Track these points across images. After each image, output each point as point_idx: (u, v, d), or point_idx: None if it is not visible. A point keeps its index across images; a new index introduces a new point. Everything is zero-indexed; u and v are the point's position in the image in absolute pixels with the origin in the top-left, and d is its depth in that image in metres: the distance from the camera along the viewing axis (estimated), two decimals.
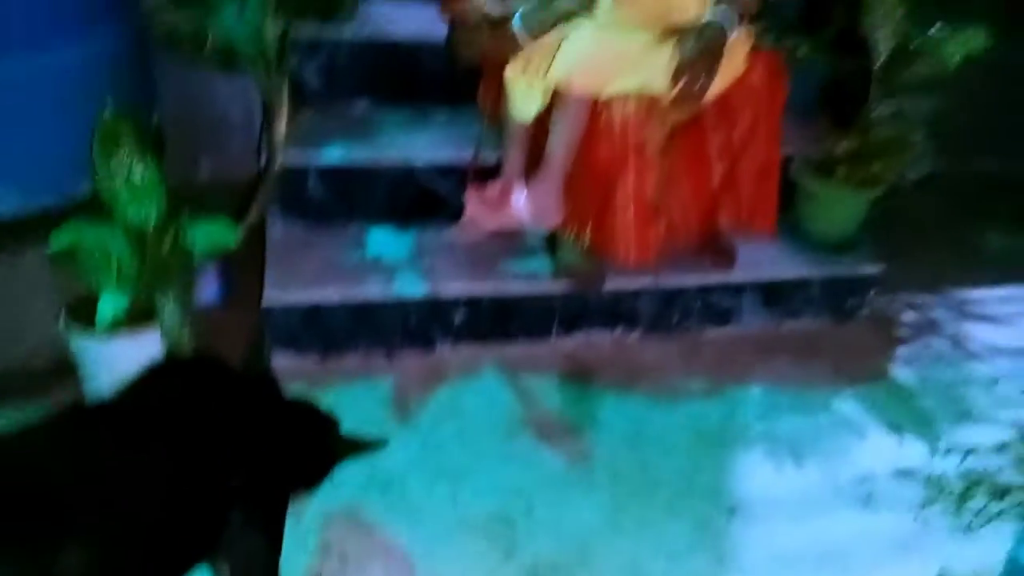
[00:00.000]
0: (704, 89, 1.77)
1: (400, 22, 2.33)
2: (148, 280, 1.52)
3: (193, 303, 1.67)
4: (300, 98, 2.18)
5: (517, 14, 1.82)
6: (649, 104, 1.77)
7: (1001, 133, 3.14)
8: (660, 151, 1.85)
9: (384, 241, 2.14)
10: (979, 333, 2.33)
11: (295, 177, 2.07)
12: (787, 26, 2.26)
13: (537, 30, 1.80)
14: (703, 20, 1.77)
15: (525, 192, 1.90)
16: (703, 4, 1.78)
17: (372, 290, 1.98)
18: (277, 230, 2.12)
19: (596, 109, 1.78)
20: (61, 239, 1.45)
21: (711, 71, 1.76)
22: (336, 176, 2.11)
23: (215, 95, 2.39)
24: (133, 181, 1.50)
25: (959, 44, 1.97)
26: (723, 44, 1.79)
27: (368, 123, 2.26)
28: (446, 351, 2.06)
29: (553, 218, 1.94)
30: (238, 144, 2.52)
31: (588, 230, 1.98)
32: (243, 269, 2.02)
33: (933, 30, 2.04)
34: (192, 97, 2.28)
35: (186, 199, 1.68)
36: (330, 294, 1.96)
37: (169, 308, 1.53)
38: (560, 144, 1.82)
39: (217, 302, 2.01)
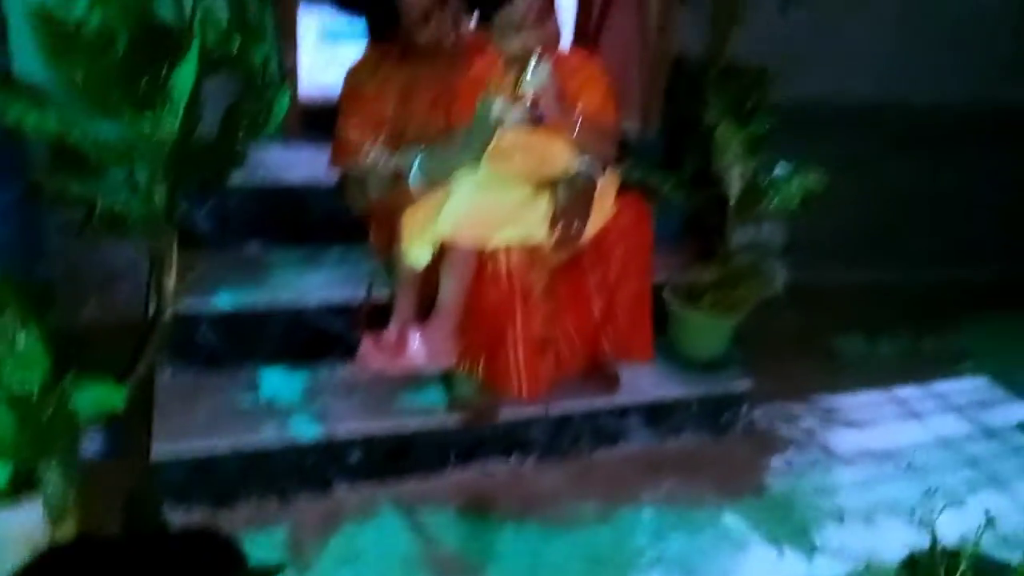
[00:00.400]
0: (579, 233, 1.93)
1: (290, 166, 2.41)
2: (31, 448, 1.48)
3: (77, 464, 1.62)
4: (190, 241, 2.21)
5: (414, 166, 1.94)
6: (531, 251, 1.91)
7: (851, 247, 3.49)
8: (544, 292, 1.97)
9: (277, 383, 2.15)
10: (846, 438, 2.52)
11: (185, 324, 2.07)
12: (649, 166, 2.48)
13: (433, 179, 1.93)
14: (572, 171, 1.94)
15: (419, 336, 1.96)
16: (570, 157, 1.95)
17: (266, 435, 1.97)
18: (166, 377, 2.10)
19: (482, 259, 1.90)
20: None
21: (584, 216, 1.93)
22: (228, 321, 2.13)
23: (102, 244, 2.37)
24: (16, 348, 1.48)
25: (800, 183, 2.22)
26: (592, 191, 1.96)
27: (260, 265, 2.30)
28: (343, 492, 2.05)
29: (447, 359, 2.03)
30: (125, 288, 2.50)
31: (481, 366, 2.07)
32: (131, 418, 1.97)
33: (777, 170, 2.29)
34: (79, 247, 2.26)
35: (71, 346, 1.66)
36: (221, 443, 1.94)
37: (52, 475, 1.49)
38: (451, 292, 1.93)
39: (103, 456, 1.95)
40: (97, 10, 1.66)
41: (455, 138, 2.00)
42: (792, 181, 2.25)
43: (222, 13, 2.16)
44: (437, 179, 1.92)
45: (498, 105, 1.87)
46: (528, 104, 1.84)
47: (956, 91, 3.40)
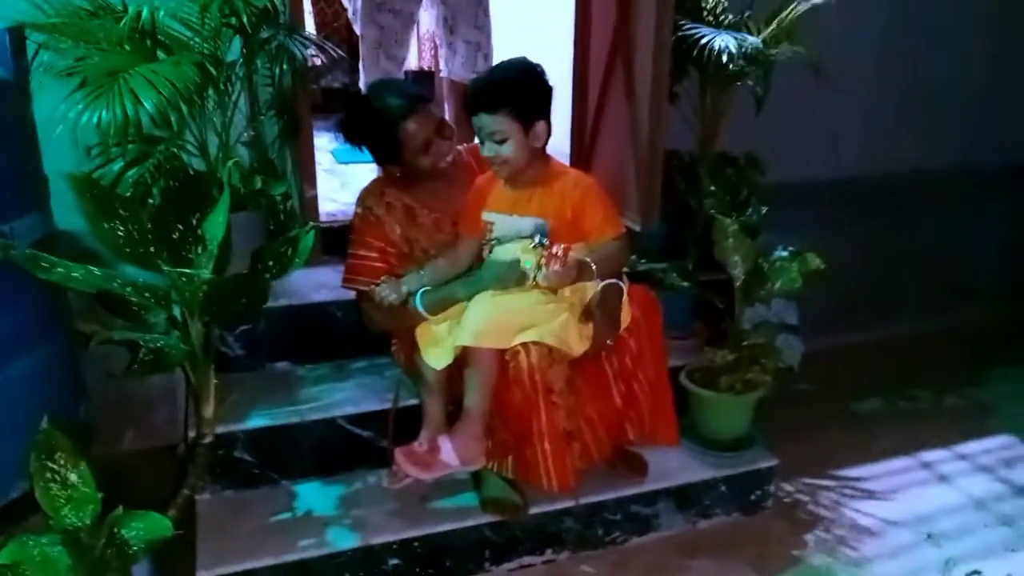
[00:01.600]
0: (615, 338, 2.07)
1: (313, 287, 2.54)
2: None
3: None
4: (224, 365, 2.33)
5: (417, 295, 2.08)
6: (549, 350, 1.99)
7: (856, 310, 3.57)
8: (565, 386, 2.05)
9: (313, 496, 2.23)
10: (875, 509, 2.53)
11: (222, 446, 2.16)
12: (654, 257, 2.60)
13: (435, 308, 2.07)
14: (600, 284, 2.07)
15: (449, 442, 2.05)
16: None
17: (304, 548, 2.03)
18: (205, 499, 2.18)
19: (504, 361, 1.99)
20: (6, 555, 1.50)
21: (617, 323, 2.10)
22: (262, 440, 2.22)
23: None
24: (69, 487, 1.58)
25: (800, 265, 2.32)
26: (621, 297, 2.10)
27: (289, 383, 2.41)
28: None
29: (479, 460, 2.09)
30: (161, 415, 2.62)
31: (509, 463, 2.14)
32: (175, 542, 2.04)
33: (776, 253, 2.39)
34: (116, 382, 2.38)
35: (115, 479, 1.75)
36: (263, 560, 2.00)
37: None
38: (476, 394, 2.01)
39: None
40: (132, 169, 1.83)
41: (456, 267, 2.15)
42: (792, 264, 2.34)
43: (244, 156, 2.37)
44: (443, 304, 2.04)
45: (509, 270, 2.01)
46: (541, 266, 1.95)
47: (938, 156, 3.58)
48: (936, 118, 3.56)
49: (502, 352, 1.99)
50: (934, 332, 3.68)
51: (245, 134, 2.37)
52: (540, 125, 2.01)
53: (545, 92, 2.02)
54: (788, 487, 2.60)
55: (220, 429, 2.13)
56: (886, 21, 3.35)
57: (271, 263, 1.85)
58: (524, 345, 1.97)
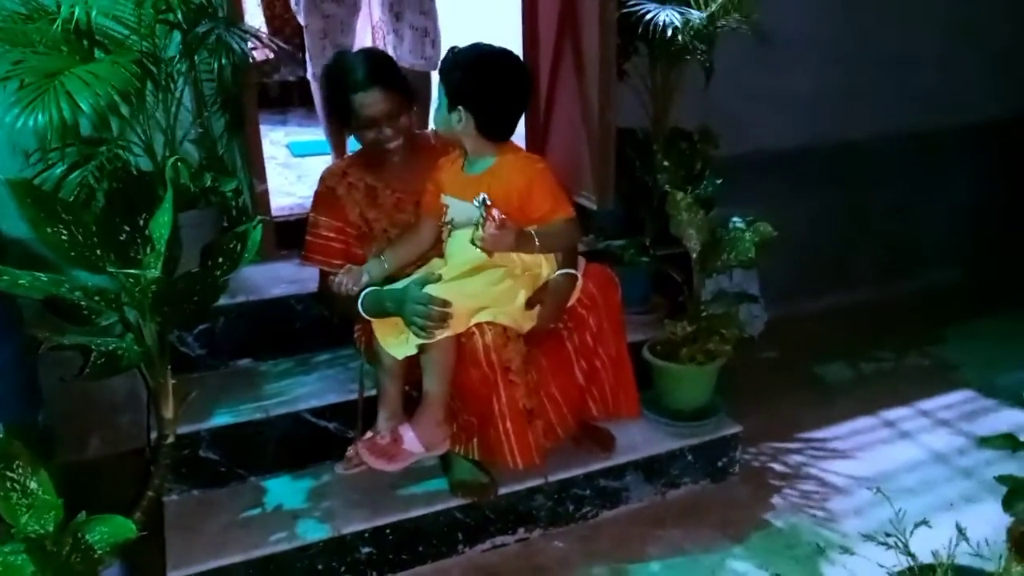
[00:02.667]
0: (560, 319, 2.11)
1: (271, 282, 2.53)
2: None
3: None
4: (184, 365, 2.32)
5: (360, 296, 2.07)
6: (503, 329, 2.01)
7: (815, 277, 3.63)
8: (524, 364, 2.06)
9: (281, 490, 2.23)
10: (840, 468, 2.58)
11: (187, 446, 2.16)
12: (611, 235, 2.62)
13: (372, 313, 2.07)
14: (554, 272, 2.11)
15: (410, 430, 2.05)
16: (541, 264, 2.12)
17: (275, 542, 2.03)
18: (173, 500, 2.18)
19: (460, 342, 2.00)
20: None
21: (563, 312, 2.15)
22: (227, 437, 2.21)
23: (99, 382, 2.47)
24: (29, 495, 1.57)
25: (753, 235, 2.34)
26: (573, 286, 2.14)
27: (252, 379, 2.41)
28: None
29: (443, 445, 2.11)
30: (126, 419, 2.60)
31: (474, 444, 2.15)
32: (143, 544, 2.04)
33: (732, 224, 2.41)
34: (76, 388, 2.36)
35: (78, 484, 1.74)
36: (233, 556, 2.00)
37: None
38: (435, 379, 2.02)
39: None
40: (74, 172, 1.81)
41: (418, 248, 2.16)
42: (746, 234, 2.37)
43: (193, 154, 2.34)
44: (377, 316, 2.05)
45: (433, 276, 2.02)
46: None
47: (887, 120, 3.62)
48: (886, 84, 3.60)
49: (458, 335, 2.00)
50: (893, 296, 3.75)
51: (192, 131, 2.35)
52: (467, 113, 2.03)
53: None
54: (755, 452, 2.64)
55: (183, 429, 2.12)
56: None
57: (220, 259, 1.84)
58: (479, 326, 1.99)
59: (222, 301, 2.38)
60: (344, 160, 2.30)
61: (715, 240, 2.42)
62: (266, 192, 2.50)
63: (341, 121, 2.18)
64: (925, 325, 3.51)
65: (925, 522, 1.39)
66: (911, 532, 1.40)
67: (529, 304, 2.07)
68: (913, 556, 1.39)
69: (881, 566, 1.45)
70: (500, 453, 2.09)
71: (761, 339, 3.22)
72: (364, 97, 2.06)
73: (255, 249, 1.84)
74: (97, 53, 1.99)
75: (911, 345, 3.36)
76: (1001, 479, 1.54)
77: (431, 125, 2.24)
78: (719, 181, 2.66)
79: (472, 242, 2.00)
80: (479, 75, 1.99)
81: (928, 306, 3.68)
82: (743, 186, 2.72)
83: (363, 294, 2.06)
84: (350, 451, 2.21)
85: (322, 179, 2.24)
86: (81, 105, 1.76)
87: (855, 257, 3.80)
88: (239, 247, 1.83)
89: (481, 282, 2.01)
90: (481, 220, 1.96)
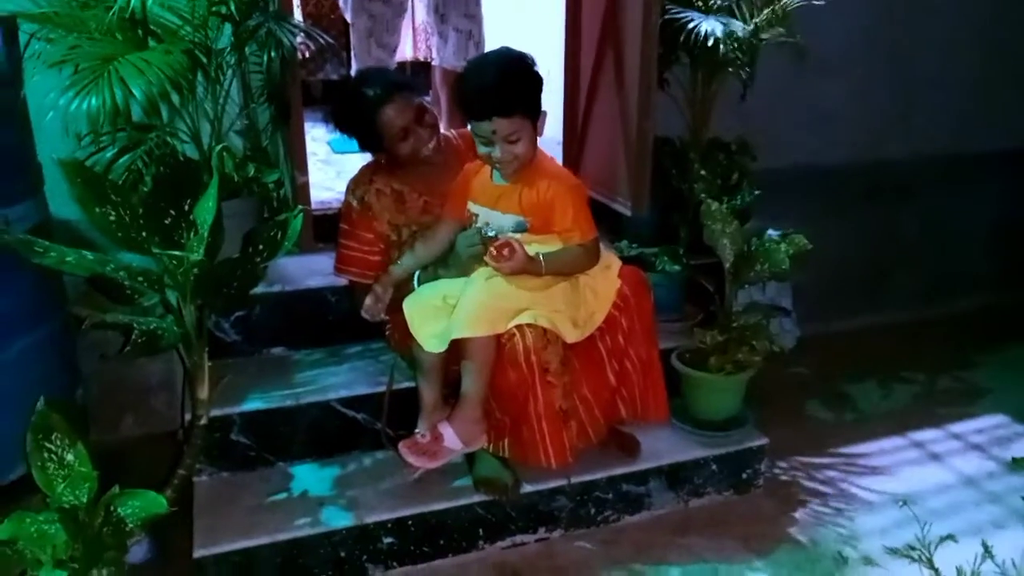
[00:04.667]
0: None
1: (307, 274, 2.57)
2: (83, 558, 1.60)
3: (125, 570, 1.73)
4: (220, 351, 2.37)
5: (415, 276, 2.11)
6: (544, 332, 2.02)
7: (849, 295, 3.60)
8: (561, 366, 2.07)
9: (308, 477, 2.26)
10: (868, 486, 2.56)
11: (219, 429, 2.20)
12: (645, 241, 2.63)
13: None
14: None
15: (450, 428, 2.07)
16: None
17: (300, 527, 2.07)
18: (203, 481, 2.22)
19: (500, 343, 2.01)
20: (3, 531, 1.53)
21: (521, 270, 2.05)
22: (258, 422, 2.25)
23: (136, 362, 2.54)
24: (65, 467, 1.62)
25: (788, 246, 2.34)
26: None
27: (285, 367, 2.45)
28: None
29: (480, 440, 2.13)
30: (160, 400, 2.66)
31: (504, 444, 2.17)
32: (173, 522, 2.09)
33: (766, 235, 2.41)
34: (114, 367, 2.42)
35: (112, 460, 1.79)
36: (258, 539, 2.03)
37: None
38: (474, 378, 2.03)
39: (148, 560, 2.06)
40: (124, 156, 1.86)
41: (433, 250, 2.17)
42: (780, 246, 2.36)
43: (238, 144, 2.40)
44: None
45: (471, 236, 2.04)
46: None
47: (924, 142, 3.59)
48: (925, 104, 3.57)
49: (498, 337, 2.02)
50: (925, 318, 3.70)
51: (238, 122, 2.40)
52: (543, 117, 2.02)
53: (542, 84, 2.02)
54: (781, 466, 2.63)
55: (216, 412, 2.17)
56: (874, 8, 3.36)
57: (261, 247, 1.88)
58: (519, 327, 2.00)
59: (259, 289, 2.44)
60: (369, 166, 2.31)
61: (749, 251, 2.42)
62: (307, 185, 2.55)
63: (373, 148, 2.19)
64: (957, 349, 3.46)
65: (951, 537, 1.38)
66: (936, 547, 1.39)
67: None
68: (937, 571, 1.38)
69: None
70: (534, 453, 2.10)
71: (792, 354, 3.19)
72: (389, 110, 2.08)
73: (295, 238, 1.88)
74: (150, 42, 2.06)
75: (942, 368, 3.31)
76: None
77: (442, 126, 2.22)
78: (756, 192, 2.66)
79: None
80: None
81: (960, 330, 3.63)
82: (777, 200, 2.72)
83: (415, 277, 2.09)
84: (403, 450, 2.20)
85: (349, 189, 2.26)
86: (133, 91, 1.82)
87: (888, 278, 3.76)
88: (280, 235, 1.87)
89: (525, 286, 2.03)
90: (491, 248, 1.98)
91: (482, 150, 2.00)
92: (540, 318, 2.01)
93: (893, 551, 1.43)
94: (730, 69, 2.66)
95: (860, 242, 3.60)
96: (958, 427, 2.90)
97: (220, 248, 1.92)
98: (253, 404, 2.26)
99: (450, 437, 2.08)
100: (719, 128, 2.82)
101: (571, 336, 2.08)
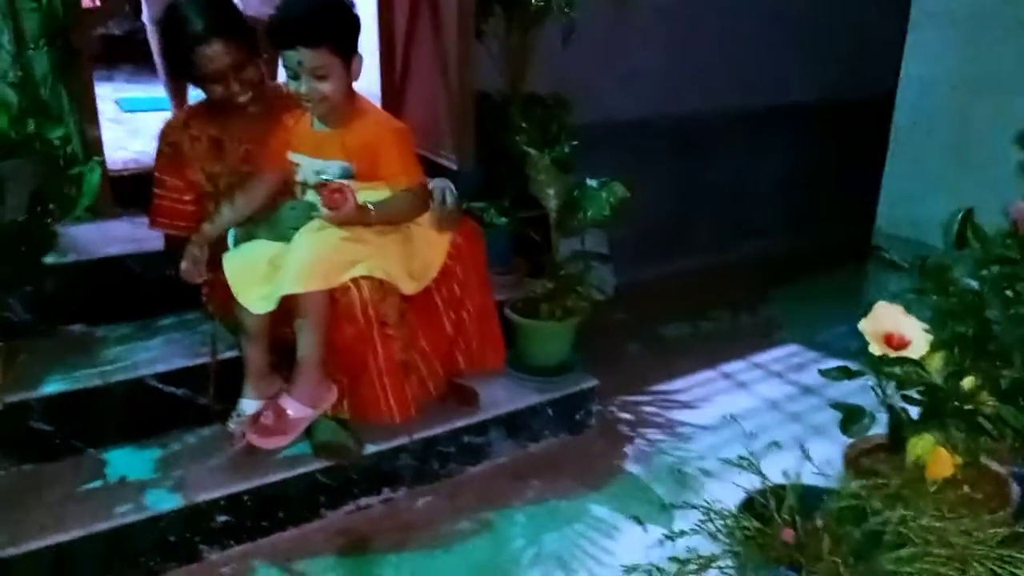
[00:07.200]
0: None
1: (105, 241, 2.34)
2: None
3: None
4: (10, 332, 2.09)
5: (231, 233, 1.97)
6: (380, 283, 1.96)
7: (657, 245, 3.83)
8: (398, 318, 2.03)
9: (126, 461, 2.07)
10: (687, 416, 2.74)
11: (15, 417, 1.96)
12: (472, 194, 2.62)
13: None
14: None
15: (292, 398, 1.97)
16: None
17: (121, 514, 1.89)
18: (1, 476, 1.97)
19: (334, 297, 1.93)
20: None
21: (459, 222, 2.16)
22: (61, 406, 2.03)
23: None
24: None
25: (608, 194, 2.43)
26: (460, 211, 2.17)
27: (88, 345, 2.22)
28: (214, 558, 2.00)
29: (331, 397, 2.04)
30: None
31: (345, 404, 2.09)
32: None
33: (587, 184, 2.49)
34: None
35: None
36: (74, 530, 1.84)
37: None
38: (311, 342, 1.94)
39: None
40: None
41: (251, 205, 2.06)
42: (601, 193, 2.45)
43: (12, 97, 2.11)
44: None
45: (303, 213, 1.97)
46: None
47: (720, 98, 3.85)
48: (717, 63, 3.82)
49: (331, 292, 1.93)
50: (726, 262, 4.02)
51: (11, 73, 2.11)
52: (357, 59, 1.95)
53: (359, 24, 1.97)
54: (609, 407, 2.75)
55: (11, 398, 1.93)
56: None
57: (52, 206, 1.67)
58: (355, 280, 1.93)
59: (50, 260, 2.19)
60: (185, 110, 2.16)
61: (572, 200, 2.48)
62: (99, 139, 2.30)
63: (182, 76, 2.04)
64: (754, 289, 3.78)
65: (776, 444, 1.51)
66: (763, 457, 1.51)
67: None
68: (764, 476, 1.50)
69: (737, 485, 1.55)
70: (376, 409, 2.05)
71: (609, 302, 3.34)
72: (206, 50, 1.92)
73: (92, 193, 1.69)
74: None
75: (743, 307, 3.62)
76: (836, 406, 1.69)
77: (281, 77, 2.13)
78: (575, 142, 2.73)
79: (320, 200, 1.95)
80: (358, 16, 1.93)
81: (757, 271, 3.97)
82: (589, 154, 2.81)
83: (230, 234, 1.96)
84: (231, 427, 2.07)
85: (162, 134, 2.10)
86: None
87: (693, 226, 4.04)
88: (75, 191, 1.67)
89: (352, 232, 1.95)
90: (323, 196, 1.92)
91: (291, 85, 1.91)
92: (376, 269, 1.95)
93: (727, 462, 1.52)
94: (554, 12, 2.67)
95: (666, 194, 3.82)
96: (759, 357, 3.18)
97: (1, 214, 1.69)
98: (53, 387, 2.02)
99: (295, 407, 1.99)
100: (535, 84, 2.86)
101: (408, 287, 2.05)
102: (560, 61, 2.80)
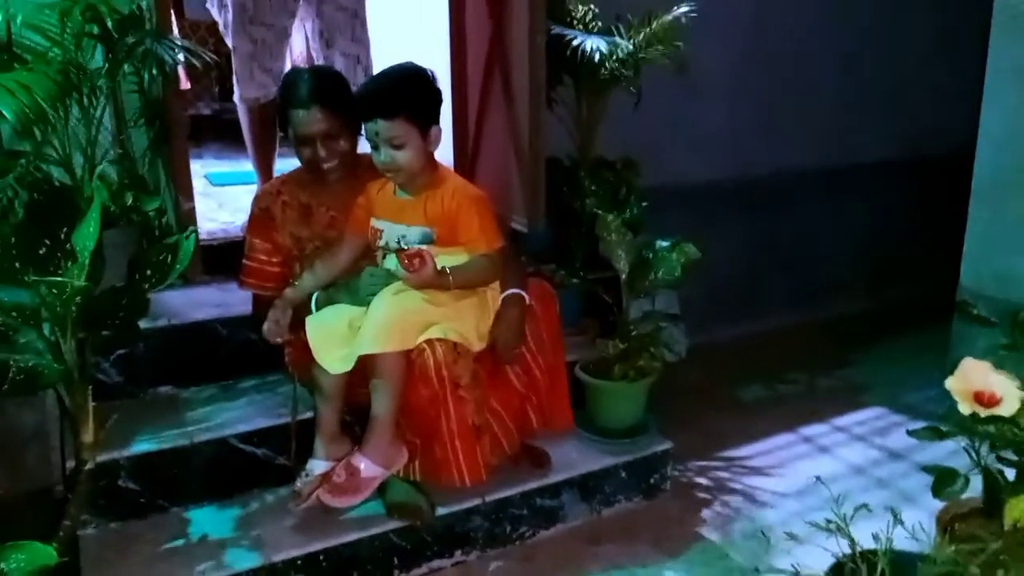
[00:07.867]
0: (519, 346, 2.14)
1: (194, 306, 2.45)
2: None
3: None
4: (102, 393, 2.19)
5: (313, 298, 2.06)
6: (454, 346, 2.00)
7: (730, 304, 3.78)
8: (471, 380, 2.05)
9: (207, 520, 2.13)
10: (766, 482, 2.66)
11: (104, 476, 2.03)
12: (542, 258, 2.66)
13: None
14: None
15: (364, 457, 2.00)
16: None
17: (202, 572, 1.93)
18: (89, 535, 2.04)
19: (410, 359, 1.97)
20: None
21: (521, 334, 2.15)
22: (147, 466, 2.11)
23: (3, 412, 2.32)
24: None
25: (679, 255, 2.42)
26: (523, 310, 2.14)
27: (174, 406, 2.31)
28: None
29: (402, 459, 2.07)
30: (32, 456, 2.43)
31: (416, 465, 2.11)
32: None
33: (657, 245, 2.49)
34: None
35: None
36: None
37: None
38: (385, 402, 1.98)
39: None
40: None
41: (334, 270, 2.13)
42: (672, 254, 2.45)
43: (113, 173, 2.27)
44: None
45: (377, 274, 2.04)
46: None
47: (792, 156, 3.84)
48: (791, 123, 3.82)
49: (407, 353, 1.97)
50: (802, 323, 3.93)
51: (111, 151, 2.27)
52: (435, 129, 2.02)
53: (438, 96, 2.05)
54: (683, 470, 2.69)
55: (101, 457, 1.99)
56: (743, 32, 3.58)
57: (149, 272, 1.77)
58: (429, 342, 1.97)
59: (142, 325, 2.29)
60: (279, 178, 2.28)
61: (642, 261, 2.49)
62: (193, 210, 2.43)
63: (283, 130, 2.16)
64: (833, 350, 3.68)
65: (865, 506, 1.45)
66: (852, 519, 1.45)
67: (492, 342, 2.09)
68: (853, 540, 1.44)
69: (825, 549, 1.49)
70: (447, 472, 2.06)
71: (682, 363, 3.30)
72: (301, 114, 2.04)
73: (188, 260, 1.78)
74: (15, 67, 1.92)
75: (822, 369, 3.51)
76: (928, 468, 1.62)
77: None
78: (644, 204, 2.75)
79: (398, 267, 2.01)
80: (438, 89, 2.01)
81: (835, 332, 3.87)
82: (659, 216, 2.83)
83: (313, 298, 2.04)
84: (298, 485, 2.10)
85: (256, 199, 2.22)
86: (5, 114, 1.68)
87: (766, 287, 3.97)
88: (170, 259, 1.76)
89: (433, 300, 2.00)
90: (402, 261, 1.98)
91: (372, 155, 2.00)
92: (450, 332, 1.99)
93: (815, 525, 1.47)
94: (621, 82, 2.73)
95: (739, 254, 3.79)
96: (841, 420, 3.07)
97: (101, 278, 1.78)
98: (142, 446, 2.11)
99: (367, 467, 2.01)
100: (603, 147, 2.92)
101: (479, 346, 2.07)
102: (628, 126, 2.86)
